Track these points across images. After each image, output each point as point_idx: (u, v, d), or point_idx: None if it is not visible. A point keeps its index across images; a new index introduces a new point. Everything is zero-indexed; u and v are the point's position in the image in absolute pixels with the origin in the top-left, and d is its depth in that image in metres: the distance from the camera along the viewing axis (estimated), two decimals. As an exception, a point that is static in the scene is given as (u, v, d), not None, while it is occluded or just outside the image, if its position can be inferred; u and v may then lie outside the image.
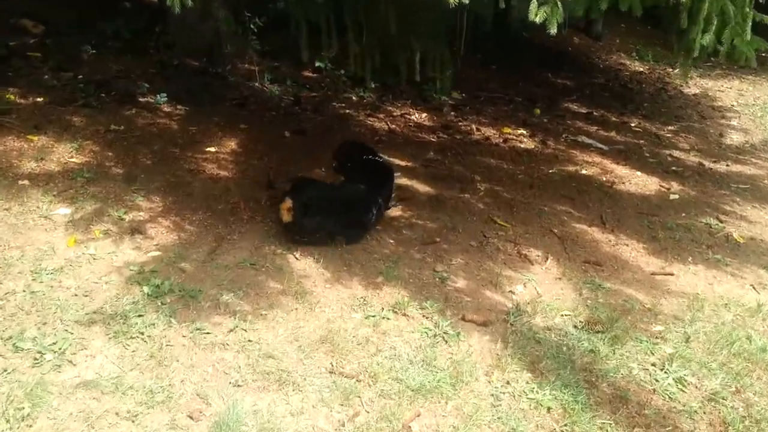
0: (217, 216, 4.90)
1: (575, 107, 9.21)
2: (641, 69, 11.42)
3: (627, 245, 5.33)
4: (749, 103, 10.27)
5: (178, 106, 6.90)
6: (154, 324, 3.59)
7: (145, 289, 3.85)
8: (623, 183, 6.66)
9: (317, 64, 8.53)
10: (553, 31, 3.68)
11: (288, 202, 4.44)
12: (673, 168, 7.29)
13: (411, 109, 8.16)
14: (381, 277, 4.37)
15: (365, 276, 4.38)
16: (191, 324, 3.63)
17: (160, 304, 3.77)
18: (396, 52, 4.77)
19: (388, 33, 4.14)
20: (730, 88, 11.06)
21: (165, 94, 6.95)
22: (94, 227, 4.50)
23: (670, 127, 8.79)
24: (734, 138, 8.66)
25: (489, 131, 7.76)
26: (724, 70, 11.88)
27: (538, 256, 4.98)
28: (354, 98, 8.17)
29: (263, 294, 4.01)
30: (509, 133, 7.73)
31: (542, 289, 4.53)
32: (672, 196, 6.47)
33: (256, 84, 7.99)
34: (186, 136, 6.24)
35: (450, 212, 5.50)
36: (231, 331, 3.63)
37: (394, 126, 7.55)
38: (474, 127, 7.79)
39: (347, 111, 7.79)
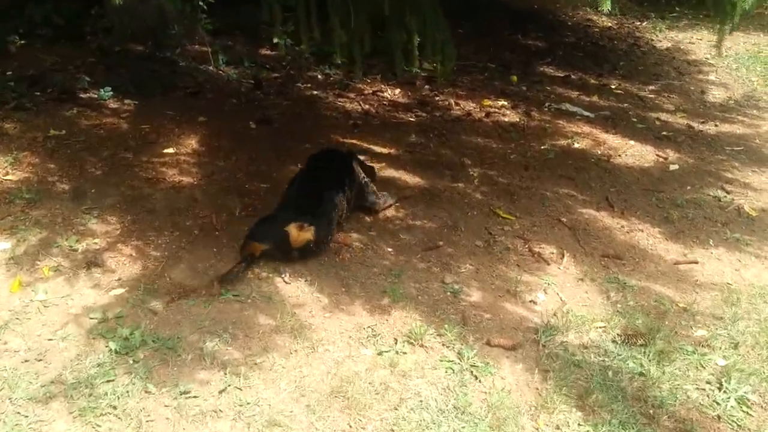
0: (186, 235, 4.16)
1: (551, 71, 8.62)
2: (610, 24, 10.87)
3: (642, 230, 4.80)
4: (723, 55, 9.81)
5: (126, 101, 6.03)
6: (127, 392, 2.90)
7: (112, 344, 3.15)
8: (619, 155, 6.13)
9: (275, 40, 7.67)
10: None
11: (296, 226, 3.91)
12: (664, 133, 6.80)
13: (383, 86, 7.44)
14: (386, 298, 3.74)
15: (368, 298, 3.74)
16: (173, 387, 2.95)
17: (131, 362, 3.07)
18: (390, 34, 4.05)
19: (380, 13, 3.42)
20: (701, 39, 10.61)
21: (109, 88, 6.07)
22: (41, 263, 3.74)
23: (651, 87, 8.29)
24: (716, 95, 8.22)
25: (468, 105, 7.11)
26: (691, 20, 11.45)
27: (552, 253, 4.41)
28: (319, 77, 7.40)
29: (254, 334, 3.34)
30: (490, 106, 7.10)
31: (565, 294, 3.96)
32: (671, 167, 5.98)
33: (211, 68, 7.13)
34: (139, 137, 5.42)
35: (446, 207, 4.88)
36: (222, 391, 2.96)
37: (367, 106, 6.82)
38: (452, 101, 7.13)
39: (314, 92, 7.02)
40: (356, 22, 3.68)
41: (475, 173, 5.50)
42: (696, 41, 10.51)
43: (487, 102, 7.18)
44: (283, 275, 3.87)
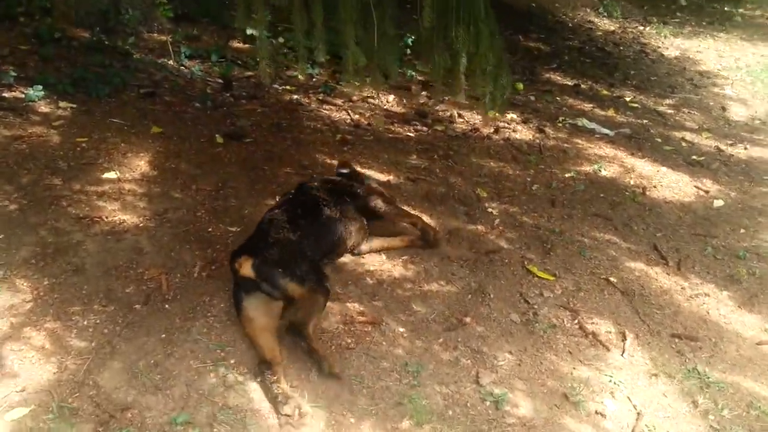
0: (124, 310, 2.93)
1: (559, 78, 7.51)
2: (612, 27, 9.83)
3: (707, 294, 3.74)
4: (733, 67, 8.89)
5: (61, 104, 4.70)
6: None
7: None
8: (654, 186, 5.06)
9: (249, 31, 6.36)
10: None
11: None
12: (694, 157, 5.77)
13: (373, 90, 6.18)
14: (406, 419, 2.56)
15: (381, 416, 2.57)
16: None
17: None
18: (431, 53, 2.88)
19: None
20: (707, 48, 9.67)
21: (41, 87, 4.71)
22: None
23: (668, 101, 7.26)
24: (737, 112, 7.25)
25: (473, 117, 5.95)
26: (694, 26, 10.50)
27: (610, 332, 3.30)
28: (300, 77, 6.11)
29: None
30: (498, 119, 5.93)
31: (639, 399, 2.88)
32: (716, 203, 4.94)
33: (170, 62, 5.81)
34: (72, 155, 4.11)
35: (466, 260, 3.71)
36: None
37: (357, 116, 5.61)
38: (455, 112, 5.95)
39: (294, 97, 5.77)
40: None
41: (494, 210, 4.35)
42: (703, 50, 9.55)
43: (493, 114, 6.00)
44: (257, 378, 2.65)
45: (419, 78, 6.57)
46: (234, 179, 4.17)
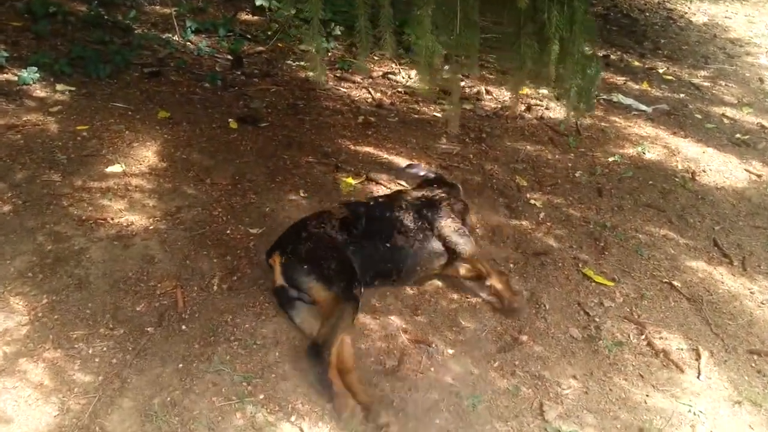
0: (134, 332, 2.52)
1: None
2: (637, -8, 9.18)
3: (779, 299, 3.28)
4: (765, 33, 8.30)
5: (59, 86, 4.21)
6: None
7: None
8: (704, 171, 4.61)
9: (259, 2, 5.84)
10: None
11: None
12: (738, 136, 5.29)
13: (393, 64, 5.68)
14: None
15: (436, 465, 2.15)
16: None
17: None
18: (519, 40, 2.40)
19: None
20: (735, 13, 9.07)
21: (35, 68, 4.22)
22: None
23: (702, 73, 6.74)
24: (777, 83, 6.69)
25: (502, 93, 5.43)
26: (720, -10, 9.82)
27: (682, 349, 2.89)
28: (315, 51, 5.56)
29: None
30: (529, 96, 5.43)
31: (725, 434, 2.44)
32: (771, 188, 4.45)
33: (175, 37, 5.29)
34: (73, 146, 3.65)
35: (516, 264, 3.27)
36: None
37: (378, 94, 5.11)
38: (482, 88, 5.43)
39: (309, 73, 5.23)
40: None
41: (537, 201, 3.90)
42: (732, 15, 8.96)
43: (525, 90, 5.51)
44: (291, 418, 2.24)
45: (441, 51, 6.01)
46: (252, 170, 3.71)
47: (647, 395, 2.62)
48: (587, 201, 4.00)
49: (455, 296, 3.01)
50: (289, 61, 5.43)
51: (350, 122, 4.58)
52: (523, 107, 5.24)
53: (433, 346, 2.70)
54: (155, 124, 4.04)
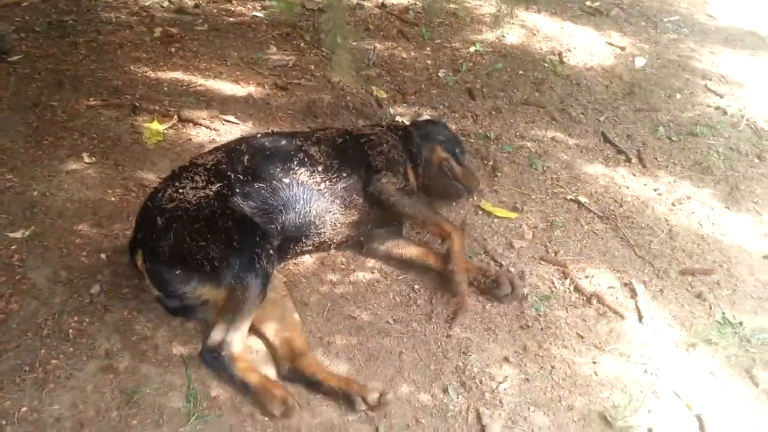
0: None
1: None
2: None
3: (689, 197, 2.94)
4: None
5: None
6: None
7: None
8: (569, 50, 4.10)
9: None
10: None
11: None
12: (588, 3, 4.89)
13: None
14: None
15: None
16: None
17: None
18: None
19: None
20: None
21: None
22: None
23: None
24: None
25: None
26: None
27: (613, 287, 2.38)
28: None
29: None
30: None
31: (690, 393, 1.97)
32: (637, 62, 4.11)
33: None
34: None
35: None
36: None
37: (177, -4, 3.85)
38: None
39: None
40: None
41: (404, 117, 3.08)
42: None
43: (356, -27, 4.49)
44: None
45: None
46: (3, 132, 2.47)
47: (595, 362, 2.05)
48: (460, 107, 3.26)
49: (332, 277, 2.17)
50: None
51: (144, 38, 3.37)
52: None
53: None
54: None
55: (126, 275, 2.06)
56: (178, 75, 3.08)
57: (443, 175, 2.53)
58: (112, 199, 2.32)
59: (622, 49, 4.20)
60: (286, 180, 2.10)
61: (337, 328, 2.03)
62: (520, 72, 3.67)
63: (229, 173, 2.04)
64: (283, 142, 2.21)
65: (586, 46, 4.15)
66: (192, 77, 3.09)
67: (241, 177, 2.04)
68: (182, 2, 3.78)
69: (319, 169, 2.18)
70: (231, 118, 2.84)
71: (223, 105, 2.93)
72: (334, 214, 2.20)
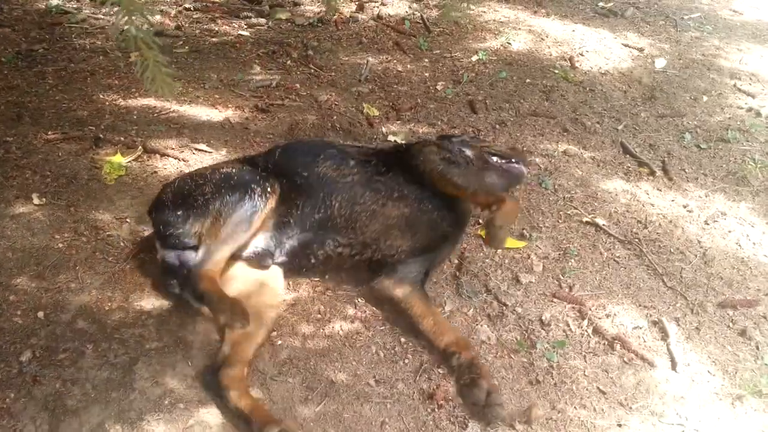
0: None
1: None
2: None
3: (723, 214, 2.55)
4: None
5: None
6: None
7: None
8: (581, 54, 3.74)
9: None
10: None
11: None
12: (602, 4, 4.54)
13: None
14: None
15: None
16: None
17: None
18: None
19: None
20: None
21: None
22: None
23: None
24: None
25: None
26: None
27: (640, 327, 2.00)
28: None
29: None
30: (358, -9, 4.17)
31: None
32: (657, 63, 3.75)
33: None
34: None
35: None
36: None
37: (158, 17, 3.61)
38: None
39: (54, 1, 3.60)
40: None
41: (397, 136, 2.76)
42: None
43: (350, -16, 4.22)
44: None
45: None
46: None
47: (620, 425, 1.69)
48: (461, 122, 2.93)
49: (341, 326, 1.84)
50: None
51: (118, 64, 3.11)
52: (353, 6, 3.96)
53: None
54: None
55: (65, 337, 1.76)
56: (149, 102, 2.80)
57: (489, 165, 2.19)
58: (60, 245, 2.03)
59: (640, 50, 3.83)
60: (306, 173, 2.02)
61: (308, 394, 1.69)
62: (528, 80, 3.33)
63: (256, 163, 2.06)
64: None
65: (600, 50, 3.80)
66: (165, 103, 2.81)
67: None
68: (163, 24, 3.53)
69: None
70: (203, 146, 2.54)
71: (195, 132, 2.64)
72: (366, 206, 1.97)
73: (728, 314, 2.06)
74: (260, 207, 1.84)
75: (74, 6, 3.63)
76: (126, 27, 1.39)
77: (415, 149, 2.09)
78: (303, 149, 2.14)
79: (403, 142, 2.61)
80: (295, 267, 1.99)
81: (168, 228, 1.86)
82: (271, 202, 1.87)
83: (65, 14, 3.47)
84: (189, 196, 1.88)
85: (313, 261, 1.98)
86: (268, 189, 1.88)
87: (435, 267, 2.05)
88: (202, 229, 1.84)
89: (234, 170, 1.94)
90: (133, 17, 1.37)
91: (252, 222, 1.83)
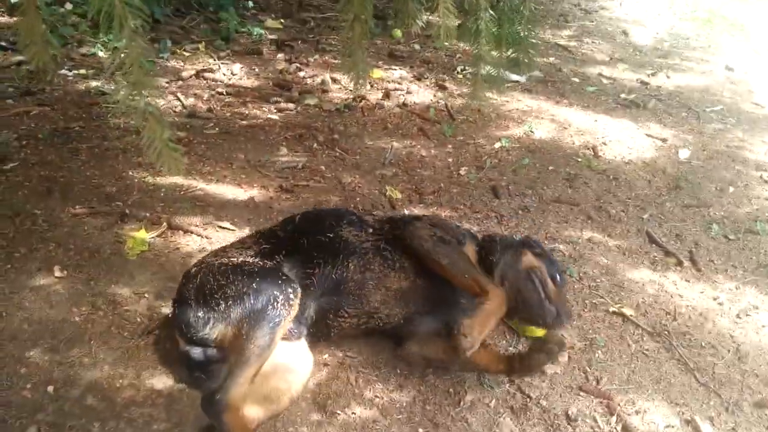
0: None
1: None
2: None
3: (756, 307, 2.44)
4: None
5: None
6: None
7: None
8: (604, 143, 3.76)
9: (14, -3, 4.23)
10: None
11: None
12: (623, 96, 4.55)
13: (211, 59, 4.31)
14: None
15: None
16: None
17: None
18: None
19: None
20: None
21: None
22: None
23: (566, 32, 6.02)
24: (640, 35, 6.16)
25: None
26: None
27: (672, 426, 1.83)
28: (102, 54, 4.10)
29: None
30: (385, 80, 4.29)
31: None
32: (681, 153, 3.74)
33: None
34: None
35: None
36: None
37: (192, 100, 3.75)
38: (327, 77, 4.22)
39: (93, 84, 3.77)
40: None
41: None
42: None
43: (378, 74, 4.36)
44: None
45: (270, 37, 4.74)
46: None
47: None
48: (483, 207, 2.92)
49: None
50: (64, 70, 3.88)
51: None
52: (380, 94, 4.08)
53: None
54: None
55: (72, 414, 1.71)
56: (177, 180, 2.85)
57: (532, 287, 2.04)
58: (76, 319, 2.02)
59: (664, 140, 3.86)
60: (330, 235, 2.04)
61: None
62: (551, 168, 3.34)
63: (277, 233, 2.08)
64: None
65: (623, 139, 3.83)
66: (192, 182, 2.86)
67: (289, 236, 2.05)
68: (196, 106, 3.65)
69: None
70: (226, 224, 2.56)
71: (220, 210, 2.67)
72: (374, 273, 1.96)
73: (766, 414, 1.94)
74: (283, 317, 1.80)
75: (112, 88, 3.78)
76: (134, 101, 1.42)
77: (404, 221, 2.10)
78: (328, 213, 2.22)
79: (408, 213, 2.62)
80: (315, 336, 1.98)
81: (190, 329, 1.83)
82: (294, 309, 1.82)
83: (103, 95, 3.61)
84: (211, 298, 1.83)
85: (329, 329, 1.98)
86: (291, 296, 1.83)
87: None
88: (224, 338, 1.81)
89: (256, 270, 1.88)
90: (143, 91, 1.41)
91: (274, 338, 1.78)
